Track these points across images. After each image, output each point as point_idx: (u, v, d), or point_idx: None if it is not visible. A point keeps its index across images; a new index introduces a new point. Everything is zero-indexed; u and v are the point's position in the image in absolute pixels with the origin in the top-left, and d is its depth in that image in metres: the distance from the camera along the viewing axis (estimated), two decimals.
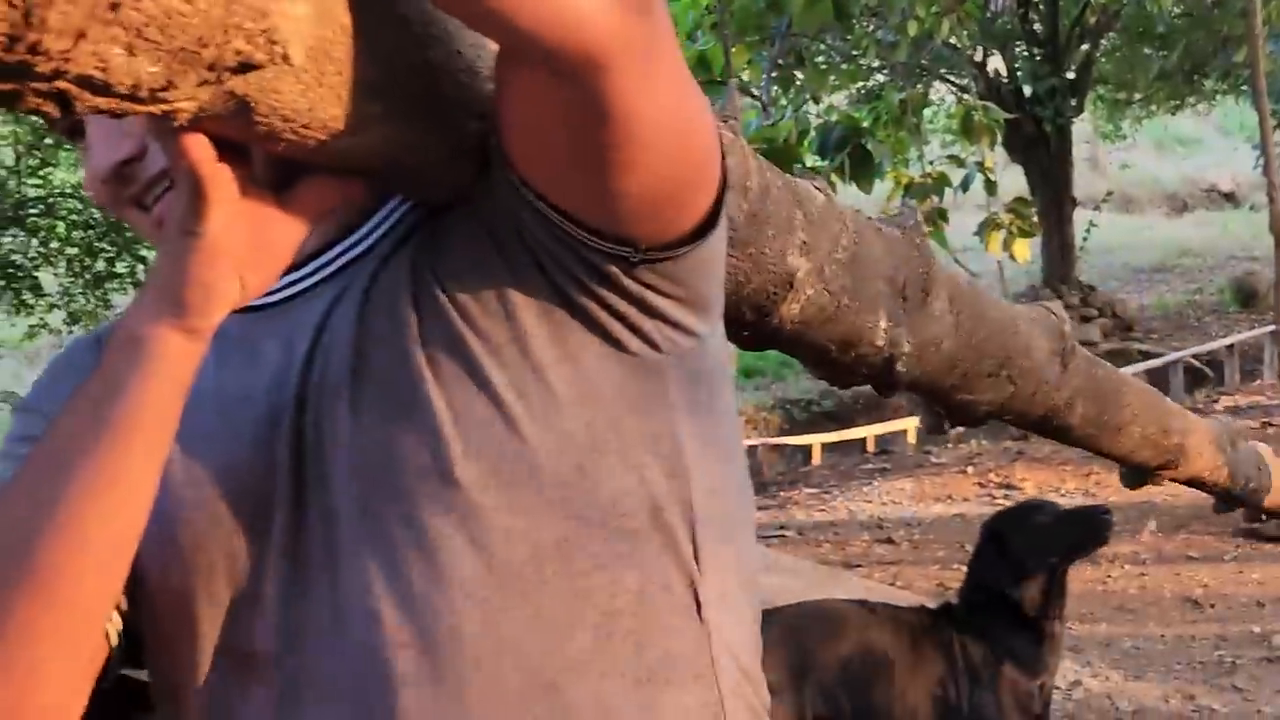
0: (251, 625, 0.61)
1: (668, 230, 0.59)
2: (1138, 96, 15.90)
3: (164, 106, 0.44)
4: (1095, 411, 1.14)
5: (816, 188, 0.79)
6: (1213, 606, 4.88)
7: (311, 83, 0.47)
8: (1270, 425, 5.60)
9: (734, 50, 4.49)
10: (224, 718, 0.62)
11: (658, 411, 0.62)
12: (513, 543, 0.58)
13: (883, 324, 0.73)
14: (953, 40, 7.74)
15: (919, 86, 8.61)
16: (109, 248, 8.84)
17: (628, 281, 0.60)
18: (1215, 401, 8.63)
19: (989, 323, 0.95)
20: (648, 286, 0.60)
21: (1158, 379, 8.13)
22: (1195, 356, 11.08)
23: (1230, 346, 10.98)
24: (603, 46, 0.48)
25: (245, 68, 0.44)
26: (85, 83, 0.40)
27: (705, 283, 0.63)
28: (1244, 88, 13.74)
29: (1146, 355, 11.68)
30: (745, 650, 0.64)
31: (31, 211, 8.78)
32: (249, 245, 0.55)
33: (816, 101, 7.19)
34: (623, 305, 0.60)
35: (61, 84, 0.40)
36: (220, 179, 0.52)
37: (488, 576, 0.58)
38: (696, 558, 0.62)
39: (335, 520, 0.60)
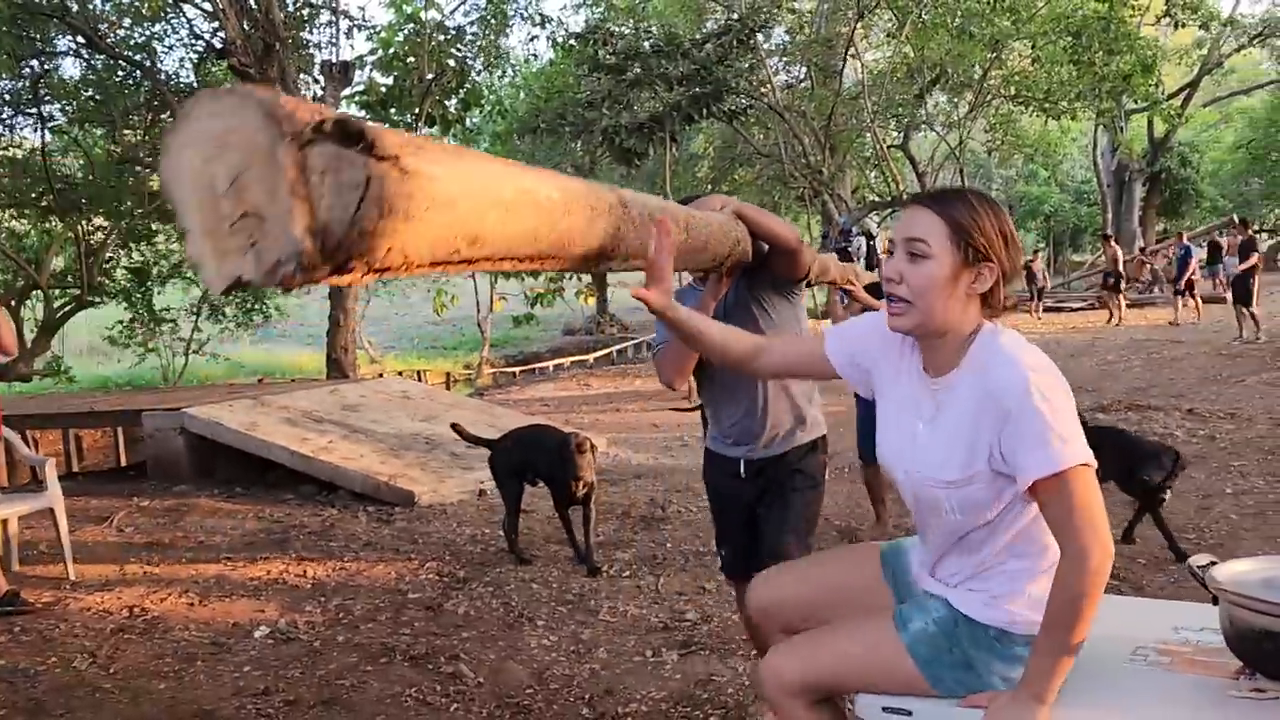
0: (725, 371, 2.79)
1: (799, 274, 2.88)
2: None
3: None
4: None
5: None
6: None
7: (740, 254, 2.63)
8: None
9: None
10: (717, 405, 3.03)
11: (797, 317, 2.95)
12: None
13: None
14: None
15: None
16: None
17: (795, 288, 2.91)
18: None
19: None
20: (798, 287, 2.94)
21: None
22: None
23: None
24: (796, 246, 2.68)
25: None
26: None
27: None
28: None
29: None
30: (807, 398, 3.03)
31: None
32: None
33: None
34: (795, 292, 2.93)
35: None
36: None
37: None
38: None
39: None
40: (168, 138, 1.06)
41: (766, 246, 2.69)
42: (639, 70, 12.44)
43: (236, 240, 1.01)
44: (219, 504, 7.04)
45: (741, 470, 3.02)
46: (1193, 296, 17.14)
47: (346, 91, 13.00)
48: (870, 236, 18.85)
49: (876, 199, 18.63)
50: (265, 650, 4.30)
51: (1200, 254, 19.80)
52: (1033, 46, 15.85)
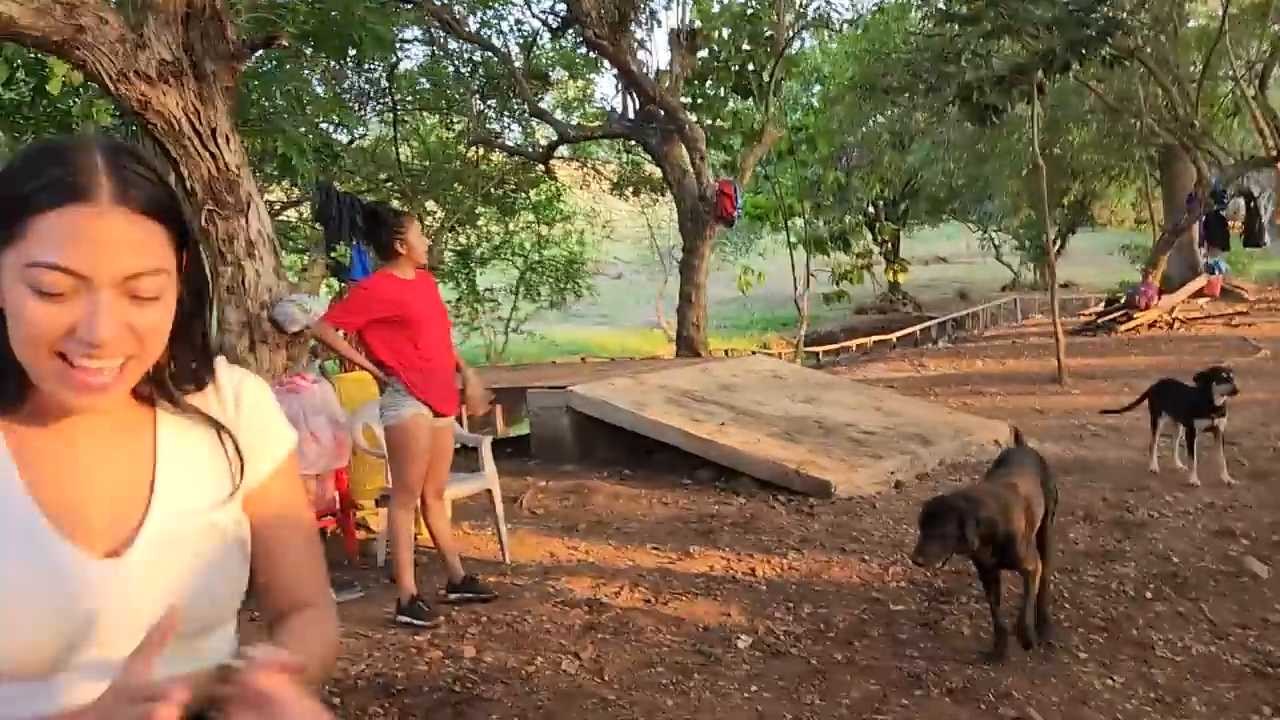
0: None
1: None
2: None
3: None
4: None
5: None
6: None
7: None
8: None
9: None
10: None
11: None
12: None
13: None
14: None
15: None
16: None
17: None
18: None
19: None
20: None
21: None
22: None
23: None
24: None
25: None
26: None
27: None
28: None
29: None
30: None
31: None
32: None
33: None
34: None
35: None
36: None
37: None
38: None
39: None
40: None
41: None
42: (999, 17, 11.19)
43: None
44: (616, 487, 6.74)
45: None
46: None
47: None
48: (1251, 198, 16.48)
49: (1258, 155, 16.21)
50: (759, 665, 3.78)
51: None
52: None
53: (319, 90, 15.99)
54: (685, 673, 3.72)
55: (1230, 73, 17.99)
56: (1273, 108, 20.53)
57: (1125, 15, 11.22)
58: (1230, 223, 16.63)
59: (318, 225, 9.24)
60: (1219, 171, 16.17)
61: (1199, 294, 17.99)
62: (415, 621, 4.24)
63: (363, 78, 16.38)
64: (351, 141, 16.34)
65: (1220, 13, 17.17)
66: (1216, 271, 17.53)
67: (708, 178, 10.91)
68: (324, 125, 15.78)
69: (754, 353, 11.99)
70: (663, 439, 6.98)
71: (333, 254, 9.20)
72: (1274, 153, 17.08)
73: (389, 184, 16.10)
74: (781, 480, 6.36)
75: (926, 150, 22.72)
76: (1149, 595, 4.27)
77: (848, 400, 8.13)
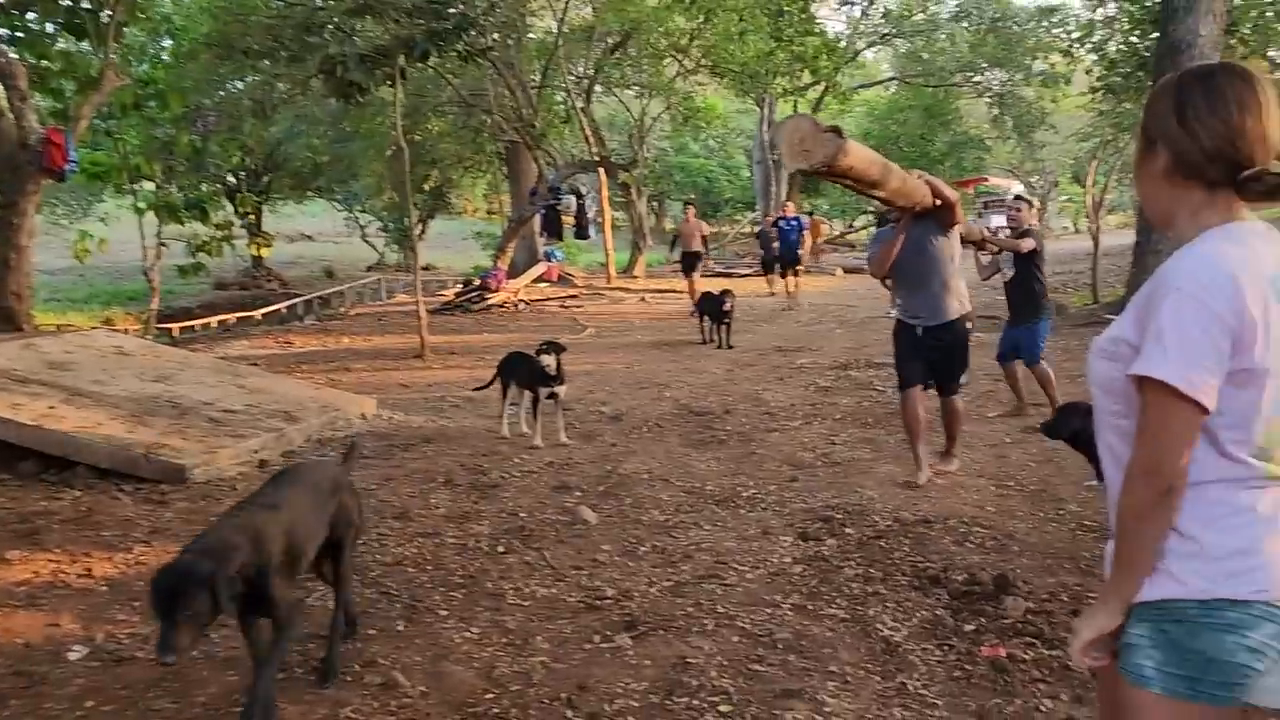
0: None
1: (953, 222, 5.43)
2: None
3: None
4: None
5: None
6: None
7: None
8: None
9: None
10: (904, 294, 5.59)
11: (953, 247, 5.49)
12: None
13: None
14: None
15: None
16: None
17: (950, 230, 5.42)
18: None
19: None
20: (952, 231, 5.43)
21: None
22: None
23: None
24: None
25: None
26: None
27: None
28: None
29: None
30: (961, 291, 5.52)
31: None
32: None
33: None
34: (950, 233, 5.44)
35: None
36: None
37: None
38: None
39: None
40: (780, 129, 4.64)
41: (938, 201, 5.00)
42: None
43: (799, 157, 3.82)
44: None
45: (919, 332, 5.44)
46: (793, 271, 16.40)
47: None
48: (579, 195, 18.79)
49: (585, 159, 18.60)
50: (97, 677, 3.31)
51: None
52: (739, 19, 16.52)
53: None
54: None
55: (564, 84, 20.47)
56: (595, 119, 23.89)
57: (479, 14, 12.04)
58: (564, 217, 18.88)
59: None
60: (555, 170, 18.22)
61: (540, 279, 20.17)
62: None
63: None
64: None
65: (556, 29, 19.43)
66: (553, 259, 19.79)
67: (31, 122, 9.31)
68: None
69: (95, 329, 10.58)
70: None
71: None
72: (597, 157, 19.87)
73: None
74: (127, 467, 5.68)
75: (290, 122, 22.12)
76: (501, 549, 4.61)
77: (207, 379, 7.55)
